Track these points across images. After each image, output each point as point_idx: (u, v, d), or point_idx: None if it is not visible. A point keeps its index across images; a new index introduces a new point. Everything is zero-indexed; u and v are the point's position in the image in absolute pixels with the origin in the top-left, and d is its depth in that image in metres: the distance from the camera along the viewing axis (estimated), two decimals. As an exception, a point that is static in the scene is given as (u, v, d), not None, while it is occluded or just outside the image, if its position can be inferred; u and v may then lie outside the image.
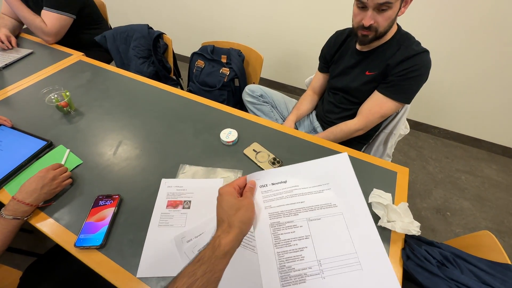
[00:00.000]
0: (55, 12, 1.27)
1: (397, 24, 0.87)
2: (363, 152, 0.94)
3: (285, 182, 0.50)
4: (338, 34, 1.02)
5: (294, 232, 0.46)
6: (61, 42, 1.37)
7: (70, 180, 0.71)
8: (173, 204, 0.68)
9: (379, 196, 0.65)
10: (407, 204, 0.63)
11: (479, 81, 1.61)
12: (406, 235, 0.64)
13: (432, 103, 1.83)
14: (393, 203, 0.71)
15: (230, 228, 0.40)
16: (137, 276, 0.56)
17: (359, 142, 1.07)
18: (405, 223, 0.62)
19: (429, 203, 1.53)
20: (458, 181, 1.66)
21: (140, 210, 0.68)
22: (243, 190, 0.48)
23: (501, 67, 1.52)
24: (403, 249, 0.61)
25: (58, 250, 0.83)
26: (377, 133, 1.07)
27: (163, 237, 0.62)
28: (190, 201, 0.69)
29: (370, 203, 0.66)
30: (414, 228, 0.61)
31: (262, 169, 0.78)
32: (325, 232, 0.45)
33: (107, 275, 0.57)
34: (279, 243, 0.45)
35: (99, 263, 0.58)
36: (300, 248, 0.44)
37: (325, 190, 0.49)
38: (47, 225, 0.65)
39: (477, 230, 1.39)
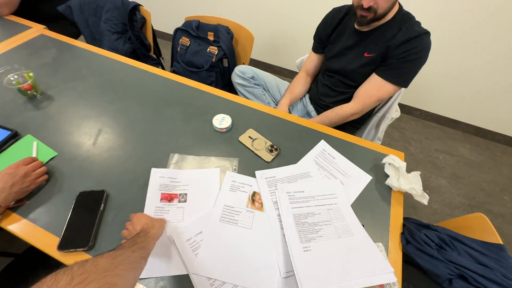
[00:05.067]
0: None
1: (399, 3, 0.83)
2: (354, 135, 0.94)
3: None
4: (335, 11, 0.96)
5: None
6: (17, 13, 1.17)
7: (45, 176, 0.63)
8: (167, 198, 0.63)
9: (393, 160, 0.69)
10: (419, 172, 0.66)
11: (459, 65, 1.66)
12: (404, 219, 0.66)
13: (414, 85, 1.86)
14: (390, 187, 0.72)
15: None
16: (133, 278, 0.52)
17: (353, 126, 1.06)
18: (412, 186, 0.65)
19: (410, 182, 1.61)
20: (437, 160, 1.75)
21: (129, 205, 0.62)
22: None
23: (479, 52, 1.56)
24: (402, 234, 0.62)
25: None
26: (370, 116, 1.07)
27: (158, 234, 0.57)
28: (186, 194, 0.64)
29: (383, 163, 0.72)
30: (420, 193, 0.63)
31: (260, 157, 0.74)
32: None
33: (98, 279, 0.52)
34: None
35: (89, 266, 0.53)
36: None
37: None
38: (21, 227, 0.58)
39: (452, 206, 1.52)
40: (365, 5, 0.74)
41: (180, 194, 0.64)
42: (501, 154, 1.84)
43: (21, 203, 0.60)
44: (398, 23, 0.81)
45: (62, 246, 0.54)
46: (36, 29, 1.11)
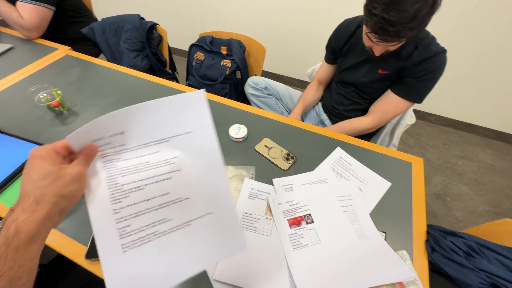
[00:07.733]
0: (31, 3, 1.16)
1: None
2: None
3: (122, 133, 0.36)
4: (348, 23, 0.94)
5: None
6: (44, 36, 1.27)
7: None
8: (295, 222, 0.63)
9: None
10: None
11: (474, 68, 1.63)
12: (427, 226, 0.64)
13: (428, 90, 1.84)
14: (411, 194, 0.70)
15: (38, 205, 0.29)
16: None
17: (368, 134, 1.05)
18: None
19: (429, 189, 1.56)
20: (456, 166, 1.69)
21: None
22: (75, 155, 0.35)
23: (495, 55, 1.54)
24: (427, 241, 0.60)
25: (63, 259, 0.78)
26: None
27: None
28: (310, 214, 0.64)
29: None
30: None
31: (276, 165, 0.75)
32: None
33: None
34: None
35: (114, 274, 0.55)
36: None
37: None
38: (50, 237, 0.59)
39: (475, 214, 1.45)
40: (376, 55, 0.76)
41: (305, 215, 0.64)
42: (525, 158, 1.76)
43: (51, 213, 0.63)
44: (413, 40, 0.78)
45: (90, 255, 0.56)
46: (62, 50, 1.19)
